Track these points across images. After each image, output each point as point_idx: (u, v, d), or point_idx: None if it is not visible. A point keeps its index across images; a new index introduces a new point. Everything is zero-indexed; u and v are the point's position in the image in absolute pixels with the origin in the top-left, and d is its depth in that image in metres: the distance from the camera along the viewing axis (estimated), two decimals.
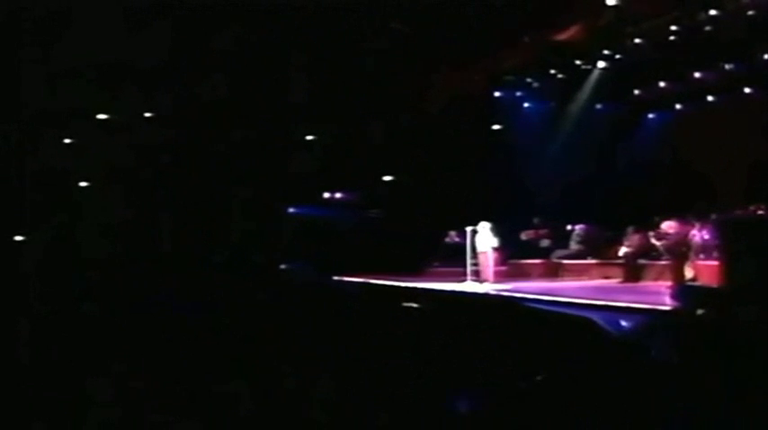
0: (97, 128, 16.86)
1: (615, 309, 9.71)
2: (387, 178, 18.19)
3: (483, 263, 13.72)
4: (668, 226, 12.61)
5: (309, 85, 17.04)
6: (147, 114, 17.27)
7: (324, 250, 16.53)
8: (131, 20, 14.49)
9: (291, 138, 18.02)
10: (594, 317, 8.74)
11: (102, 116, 16.89)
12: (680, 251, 12.39)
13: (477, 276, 13.67)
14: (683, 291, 7.27)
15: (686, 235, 13.00)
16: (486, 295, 11.94)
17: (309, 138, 18.25)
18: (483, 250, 13.72)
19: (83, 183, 17.66)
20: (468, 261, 13.67)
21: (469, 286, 13.24)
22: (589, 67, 16.35)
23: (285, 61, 16.83)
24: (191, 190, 17.48)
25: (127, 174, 17.12)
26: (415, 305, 9.85)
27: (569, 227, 16.96)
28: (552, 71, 16.60)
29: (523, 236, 16.97)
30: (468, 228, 13.68)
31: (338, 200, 18.23)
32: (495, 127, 18.37)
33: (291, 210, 17.68)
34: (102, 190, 17.17)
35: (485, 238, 13.72)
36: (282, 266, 16.84)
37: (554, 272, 15.93)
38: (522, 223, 16.92)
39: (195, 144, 17.46)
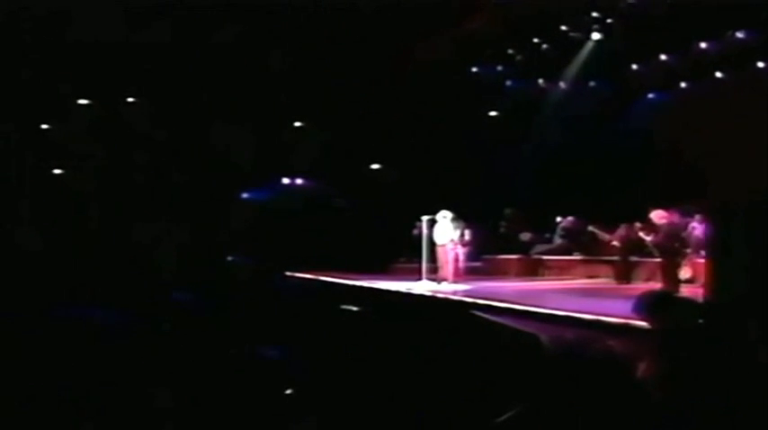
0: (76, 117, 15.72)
1: (579, 323, 7.42)
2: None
3: (442, 259, 11.42)
4: (658, 216, 10.12)
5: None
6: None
7: (281, 241, 14.62)
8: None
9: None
10: (545, 332, 6.57)
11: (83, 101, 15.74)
12: (672, 247, 9.96)
13: (436, 274, 11.40)
14: (651, 303, 4.96)
15: (681, 227, 10.52)
16: (431, 298, 9.71)
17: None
18: (442, 243, 11.41)
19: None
20: (424, 257, 11.39)
21: (423, 286, 10.98)
22: (578, 34, 13.84)
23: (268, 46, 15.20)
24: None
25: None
26: (353, 308, 8.77)
27: (559, 219, 14.64)
28: (536, 40, 14.12)
29: (502, 228, 14.61)
30: (425, 218, 11.37)
31: (299, 186, 16.02)
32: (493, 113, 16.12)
33: (245, 195, 15.48)
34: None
35: (444, 230, 11.42)
36: (229, 258, 14.85)
37: (533, 269, 13.71)
38: (496, 213, 14.56)
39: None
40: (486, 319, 8.14)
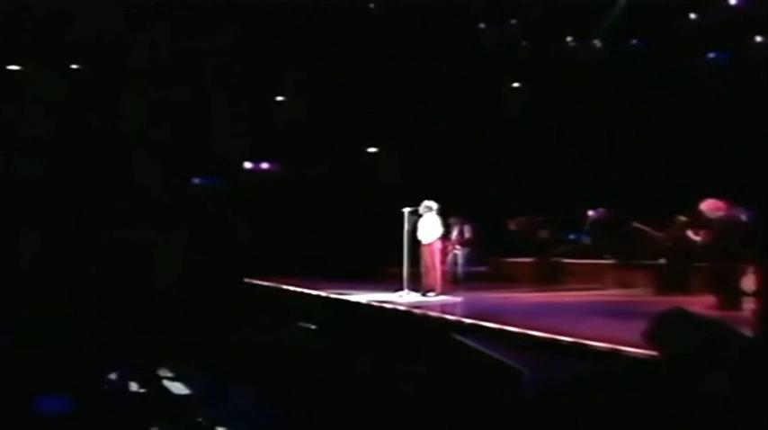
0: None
1: (589, 354, 5.85)
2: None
3: (427, 262, 9.85)
4: (711, 207, 8.43)
5: None
6: None
7: (240, 238, 13.46)
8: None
9: None
10: (538, 365, 5.65)
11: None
12: (729, 248, 8.26)
13: (421, 282, 9.86)
14: (656, 324, 3.45)
15: (744, 223, 8.75)
16: (405, 315, 8.23)
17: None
18: (427, 242, 9.86)
19: None
20: (405, 260, 9.83)
21: (402, 298, 9.45)
22: None
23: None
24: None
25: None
26: (311, 326, 8.80)
27: (590, 212, 13.06)
28: None
29: (512, 224, 13.00)
30: (406, 210, 9.81)
31: (264, 172, 14.61)
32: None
33: (197, 181, 14.07)
34: None
35: (430, 225, 9.87)
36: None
37: (551, 275, 12.20)
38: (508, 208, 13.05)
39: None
40: (469, 346, 6.71)
